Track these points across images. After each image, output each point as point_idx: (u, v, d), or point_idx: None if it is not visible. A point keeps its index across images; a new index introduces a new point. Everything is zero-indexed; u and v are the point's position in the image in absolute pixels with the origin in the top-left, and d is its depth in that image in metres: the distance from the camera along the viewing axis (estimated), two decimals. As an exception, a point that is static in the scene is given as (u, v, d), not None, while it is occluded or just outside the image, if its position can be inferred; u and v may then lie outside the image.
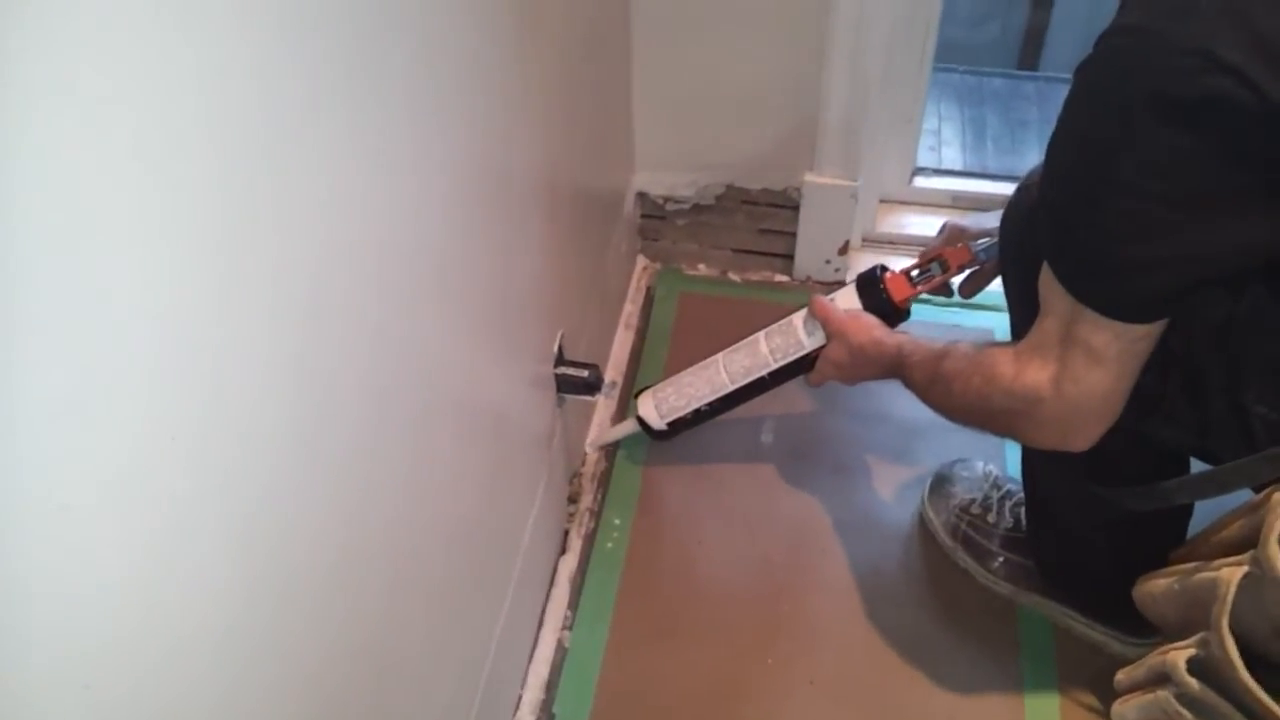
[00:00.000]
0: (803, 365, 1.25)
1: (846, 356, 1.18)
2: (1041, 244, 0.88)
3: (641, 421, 1.35)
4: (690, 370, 1.34)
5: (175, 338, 0.47)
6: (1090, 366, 0.87)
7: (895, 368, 1.12)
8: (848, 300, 1.23)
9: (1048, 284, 0.88)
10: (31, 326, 0.38)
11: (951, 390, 1.01)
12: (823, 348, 1.22)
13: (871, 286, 1.23)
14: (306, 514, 0.62)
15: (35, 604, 0.40)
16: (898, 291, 1.21)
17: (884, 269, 1.24)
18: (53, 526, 0.41)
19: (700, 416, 1.33)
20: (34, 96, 0.36)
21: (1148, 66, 0.73)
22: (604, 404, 1.50)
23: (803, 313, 1.26)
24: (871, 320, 1.19)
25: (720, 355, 1.31)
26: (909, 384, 1.10)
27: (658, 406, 1.33)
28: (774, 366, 1.27)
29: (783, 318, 1.28)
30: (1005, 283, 1.09)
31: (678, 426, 1.34)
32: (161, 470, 0.47)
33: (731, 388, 1.29)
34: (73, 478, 0.41)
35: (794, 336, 1.25)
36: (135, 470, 0.45)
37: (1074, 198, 0.82)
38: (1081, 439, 0.92)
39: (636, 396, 1.38)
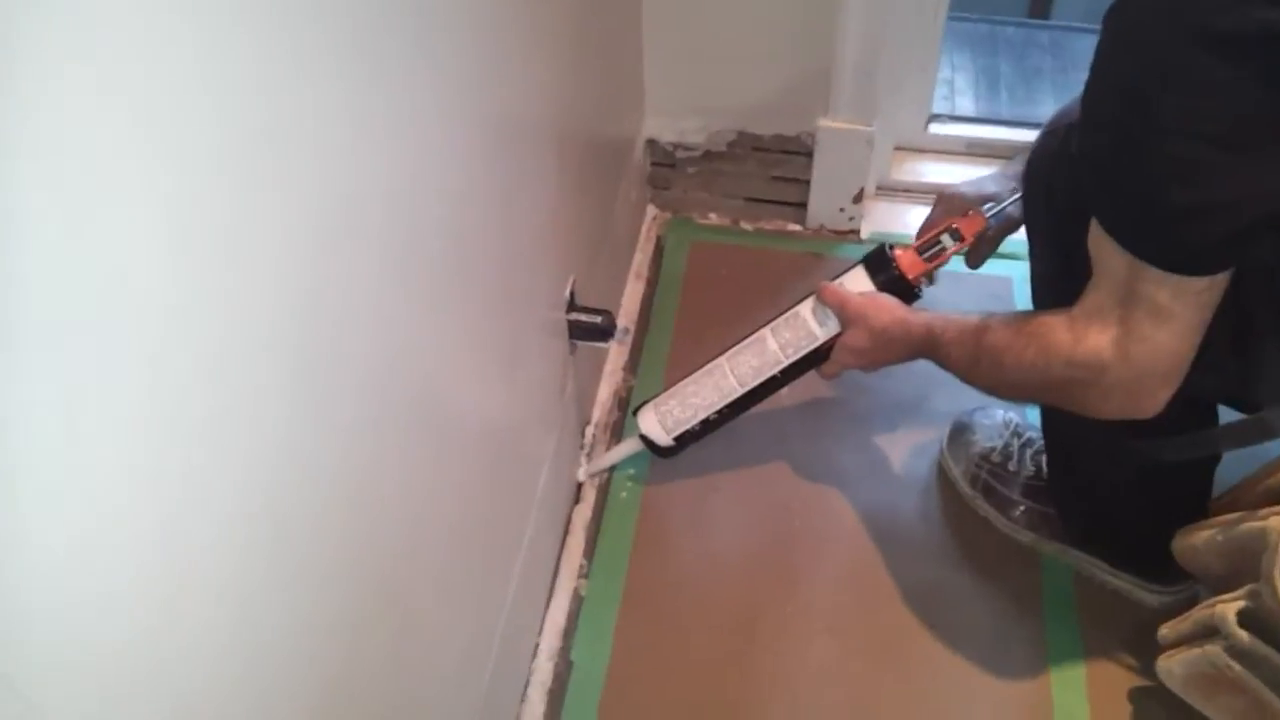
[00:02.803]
0: (817, 358, 1.18)
1: (868, 342, 1.12)
2: (1088, 201, 0.83)
3: (645, 439, 1.25)
4: (692, 378, 1.24)
5: (190, 282, 0.45)
6: (1156, 325, 0.81)
7: (926, 348, 1.06)
8: (858, 283, 1.16)
9: (1099, 243, 0.83)
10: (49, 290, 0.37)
11: (1002, 365, 0.95)
12: (837, 336, 1.15)
13: (883, 266, 1.15)
14: (323, 460, 0.61)
15: (49, 550, 0.39)
16: (910, 268, 1.14)
17: (891, 246, 1.17)
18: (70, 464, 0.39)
19: (709, 426, 1.23)
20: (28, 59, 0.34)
21: (1187, 3, 0.70)
22: (616, 352, 1.47)
23: (810, 301, 1.18)
24: (891, 300, 1.12)
25: (724, 358, 1.22)
26: (946, 364, 1.04)
27: (661, 421, 1.24)
28: (785, 363, 1.19)
29: (788, 309, 1.20)
30: (1030, 233, 1.05)
31: (685, 440, 1.24)
32: (178, 423, 0.46)
33: (741, 391, 1.21)
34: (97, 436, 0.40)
35: (805, 328, 1.17)
36: (155, 448, 0.44)
37: (1119, 149, 0.78)
38: (1151, 403, 0.86)
39: (635, 413, 1.28)
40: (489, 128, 0.86)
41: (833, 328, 1.16)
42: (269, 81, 0.49)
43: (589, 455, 1.34)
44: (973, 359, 0.99)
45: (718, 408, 1.22)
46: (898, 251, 1.16)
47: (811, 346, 1.18)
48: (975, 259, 1.21)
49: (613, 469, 1.36)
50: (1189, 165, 0.74)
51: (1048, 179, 0.98)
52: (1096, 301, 0.85)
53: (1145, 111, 0.74)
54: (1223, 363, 0.89)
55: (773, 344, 1.19)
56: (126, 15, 0.39)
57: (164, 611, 0.47)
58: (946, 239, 1.15)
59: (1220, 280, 0.80)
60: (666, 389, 1.26)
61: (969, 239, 1.15)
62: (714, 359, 1.23)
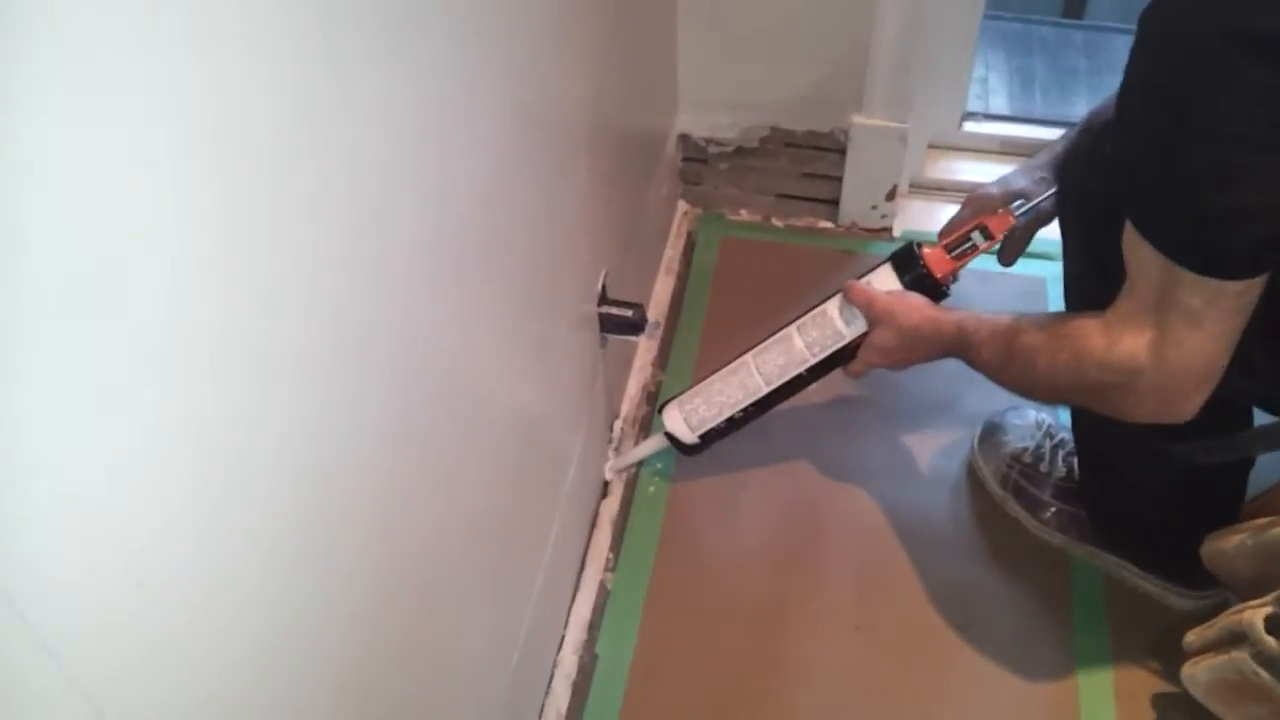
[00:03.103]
0: (843, 356, 1.17)
1: (896, 340, 1.11)
2: (1124, 203, 0.82)
3: (670, 437, 1.25)
4: (718, 375, 1.23)
5: (228, 286, 0.46)
6: (1192, 329, 0.80)
7: (957, 347, 1.05)
8: (885, 281, 1.15)
9: (1133, 246, 0.82)
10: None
11: (1035, 366, 0.94)
12: (864, 335, 1.14)
13: (911, 264, 1.14)
14: (355, 452, 0.61)
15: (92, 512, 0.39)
16: (938, 267, 1.14)
17: (919, 244, 1.16)
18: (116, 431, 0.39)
19: (734, 424, 1.23)
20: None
21: (1221, 3, 0.69)
22: (645, 346, 1.47)
23: (836, 300, 1.17)
24: (919, 299, 1.12)
25: (749, 355, 1.22)
26: (975, 363, 1.03)
27: (686, 419, 1.23)
28: (812, 361, 1.18)
29: (814, 306, 1.19)
30: (1064, 233, 1.04)
31: (709, 438, 1.24)
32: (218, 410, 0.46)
33: (767, 389, 1.20)
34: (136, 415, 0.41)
35: (831, 327, 1.17)
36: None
37: (1154, 151, 0.77)
38: (1186, 407, 0.85)
39: (660, 411, 1.27)
40: (522, 124, 0.86)
41: (860, 326, 1.15)
42: (303, 80, 0.50)
43: (617, 449, 1.34)
44: (1004, 359, 0.98)
45: (743, 406, 1.21)
46: (925, 250, 1.15)
47: (838, 345, 1.17)
48: (1008, 257, 1.20)
49: (639, 465, 1.36)
50: (1225, 168, 0.73)
51: (1082, 178, 0.97)
52: (1131, 305, 0.84)
53: (1180, 113, 0.74)
54: (1255, 364, 0.88)
55: (799, 342, 1.18)
56: (160, 11, 0.39)
57: (201, 592, 0.47)
58: (976, 236, 1.14)
59: (1256, 284, 0.79)
60: (692, 386, 1.26)
61: (998, 236, 1.15)
62: (740, 356, 1.23)
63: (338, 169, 0.54)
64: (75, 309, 0.36)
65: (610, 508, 1.30)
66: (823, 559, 1.26)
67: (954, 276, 1.16)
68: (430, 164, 0.67)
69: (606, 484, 1.32)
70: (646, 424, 1.41)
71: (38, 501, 0.36)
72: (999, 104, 2.17)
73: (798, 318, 1.21)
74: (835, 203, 1.64)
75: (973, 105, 1.74)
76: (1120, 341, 0.85)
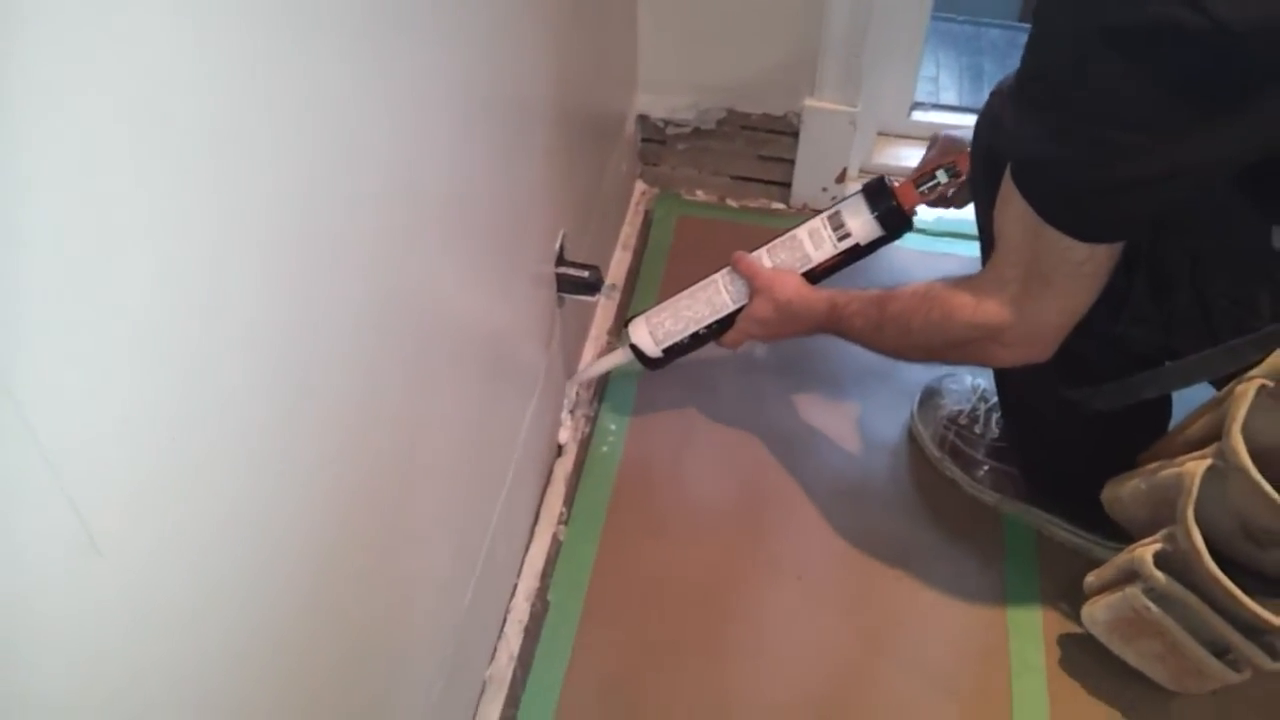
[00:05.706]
0: (810, 280, 1.23)
1: (773, 313, 1.20)
2: (1013, 173, 0.89)
3: (635, 349, 1.29)
4: (686, 292, 1.28)
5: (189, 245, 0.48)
6: (1051, 286, 0.90)
7: (828, 322, 1.15)
8: (855, 211, 1.21)
9: (1005, 206, 0.91)
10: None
11: (910, 329, 1.04)
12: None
13: (882, 196, 1.21)
14: (314, 400, 0.63)
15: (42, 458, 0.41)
16: (906, 199, 1.21)
17: (890, 178, 1.23)
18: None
19: (698, 340, 1.28)
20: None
21: (1085, 1, 0.75)
22: (602, 309, 1.52)
23: (814, 221, 1.24)
24: (795, 277, 1.20)
25: (719, 275, 1.27)
26: (848, 334, 1.13)
27: (652, 332, 1.28)
28: None
29: (787, 231, 1.25)
30: (974, 187, 1.11)
31: (673, 353, 1.29)
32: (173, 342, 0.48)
33: (733, 308, 1.25)
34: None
35: (800, 250, 1.23)
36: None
37: (1042, 131, 0.84)
38: (1044, 352, 0.96)
39: (627, 324, 1.32)
40: (483, 92, 0.89)
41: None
42: (267, 52, 0.51)
43: (572, 412, 1.39)
44: (876, 326, 1.08)
45: (708, 322, 1.27)
46: (896, 184, 1.22)
47: (806, 268, 1.23)
48: (961, 200, 1.26)
49: (605, 376, 1.41)
50: (1109, 148, 0.79)
51: (988, 139, 1.04)
52: (998, 265, 0.94)
53: (1065, 99, 0.81)
54: (1146, 312, 0.95)
55: (767, 263, 1.24)
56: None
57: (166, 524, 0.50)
58: (941, 174, 1.21)
59: (1116, 248, 0.88)
60: (661, 300, 1.31)
61: (965, 174, 1.21)
62: (709, 275, 1.28)
63: (279, 137, 0.55)
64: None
65: (564, 466, 1.34)
66: (767, 515, 1.31)
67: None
68: (396, 138, 0.70)
69: (561, 446, 1.36)
70: (602, 388, 1.45)
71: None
72: (949, 99, 2.25)
73: (769, 241, 1.26)
74: (788, 185, 1.70)
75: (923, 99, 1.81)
76: (986, 299, 0.95)
